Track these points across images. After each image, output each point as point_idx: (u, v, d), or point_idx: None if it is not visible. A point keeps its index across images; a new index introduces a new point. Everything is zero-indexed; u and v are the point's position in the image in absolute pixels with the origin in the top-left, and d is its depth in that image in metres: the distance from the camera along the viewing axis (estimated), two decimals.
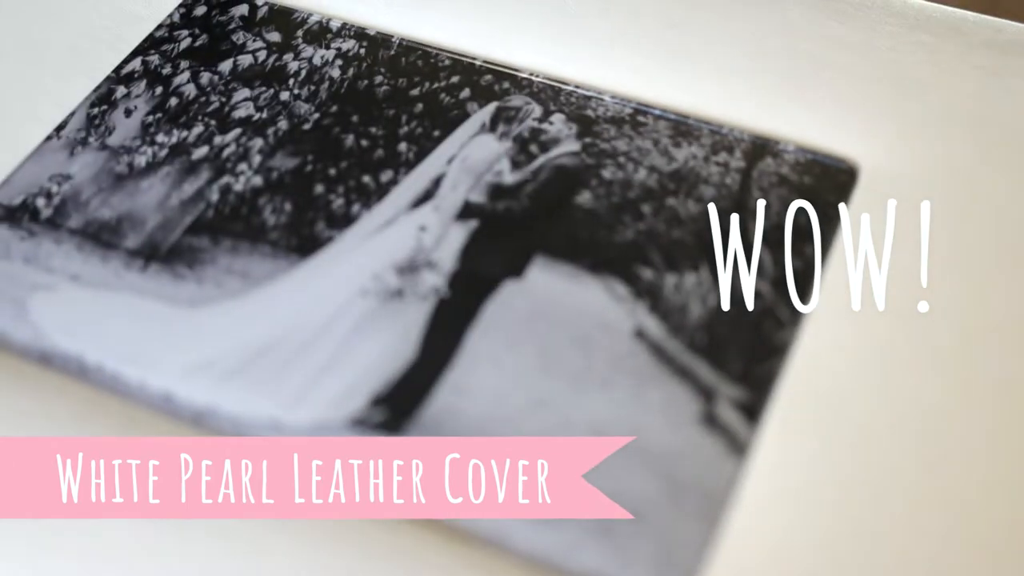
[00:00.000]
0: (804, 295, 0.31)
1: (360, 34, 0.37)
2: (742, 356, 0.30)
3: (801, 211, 0.33)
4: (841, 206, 0.33)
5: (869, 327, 0.31)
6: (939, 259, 0.32)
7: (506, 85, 0.36)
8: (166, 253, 0.32)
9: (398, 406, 0.29)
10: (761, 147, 0.34)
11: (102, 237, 0.33)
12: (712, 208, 0.32)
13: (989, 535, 0.27)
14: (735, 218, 0.32)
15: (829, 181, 0.33)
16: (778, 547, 0.27)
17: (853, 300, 0.31)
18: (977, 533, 0.27)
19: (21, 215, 0.33)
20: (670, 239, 0.32)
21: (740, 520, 0.27)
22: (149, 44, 0.38)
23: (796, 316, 0.31)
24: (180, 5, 0.39)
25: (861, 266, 0.32)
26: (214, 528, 0.28)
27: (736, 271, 0.32)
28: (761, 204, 0.33)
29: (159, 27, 0.38)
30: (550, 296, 0.31)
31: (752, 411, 0.29)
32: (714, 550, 0.27)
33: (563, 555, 0.27)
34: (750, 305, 0.30)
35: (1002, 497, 0.28)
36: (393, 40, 0.37)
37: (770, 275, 0.31)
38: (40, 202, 0.34)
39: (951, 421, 0.30)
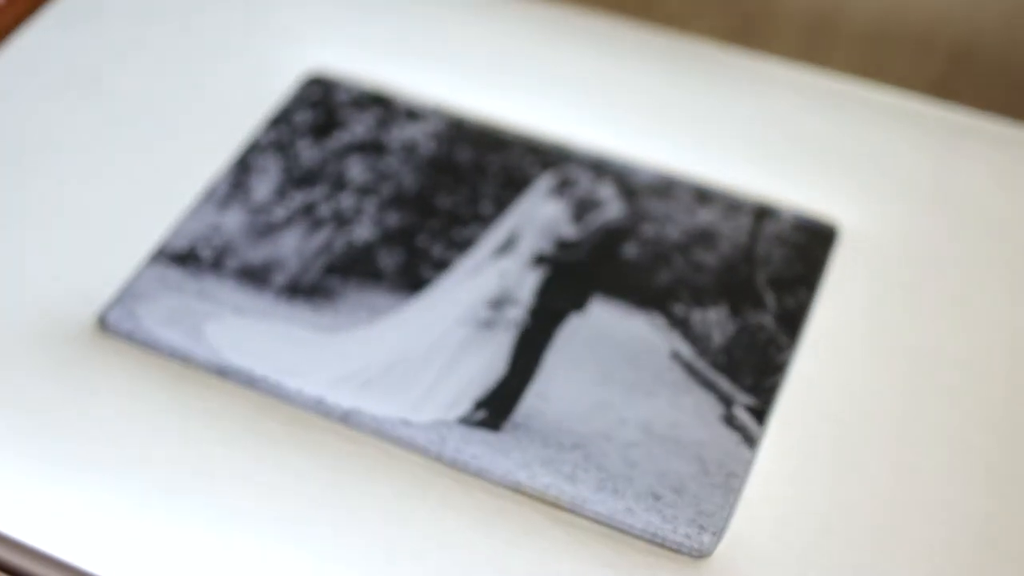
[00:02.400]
0: (798, 326, 0.41)
1: (444, 115, 0.47)
2: (752, 373, 0.39)
3: (795, 262, 0.42)
4: (826, 258, 0.42)
5: (849, 351, 0.40)
6: (898, 298, 0.42)
7: (564, 157, 0.45)
8: (307, 290, 0.42)
9: (495, 409, 0.38)
10: (764, 211, 0.44)
11: (255, 276, 0.42)
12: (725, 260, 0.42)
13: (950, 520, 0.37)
14: (745, 267, 0.42)
15: (816, 238, 0.43)
16: (781, 511, 0.36)
17: (835, 330, 0.41)
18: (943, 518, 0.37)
19: (189, 260, 0.42)
20: (696, 283, 0.42)
21: (752, 491, 0.37)
22: (276, 119, 0.47)
23: (792, 342, 0.40)
24: (298, 87, 0.48)
25: (842, 305, 0.42)
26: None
27: (746, 308, 0.41)
28: (764, 255, 0.42)
29: (283, 105, 0.47)
30: (606, 326, 0.41)
31: (760, 414, 0.38)
32: (734, 513, 0.36)
33: (623, 516, 0.36)
34: (756, 335, 0.40)
35: (966, 484, 0.37)
36: (471, 120, 0.47)
37: (773, 311, 0.41)
38: (202, 249, 0.43)
39: (916, 420, 0.39)
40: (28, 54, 0.49)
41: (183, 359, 0.40)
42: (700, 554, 0.35)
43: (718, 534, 0.36)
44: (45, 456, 0.38)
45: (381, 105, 0.47)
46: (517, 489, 0.37)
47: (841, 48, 0.57)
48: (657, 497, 0.36)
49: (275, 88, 0.47)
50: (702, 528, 0.36)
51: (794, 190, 0.44)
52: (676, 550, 0.35)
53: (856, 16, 0.56)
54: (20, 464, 0.38)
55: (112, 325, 0.40)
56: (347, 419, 0.38)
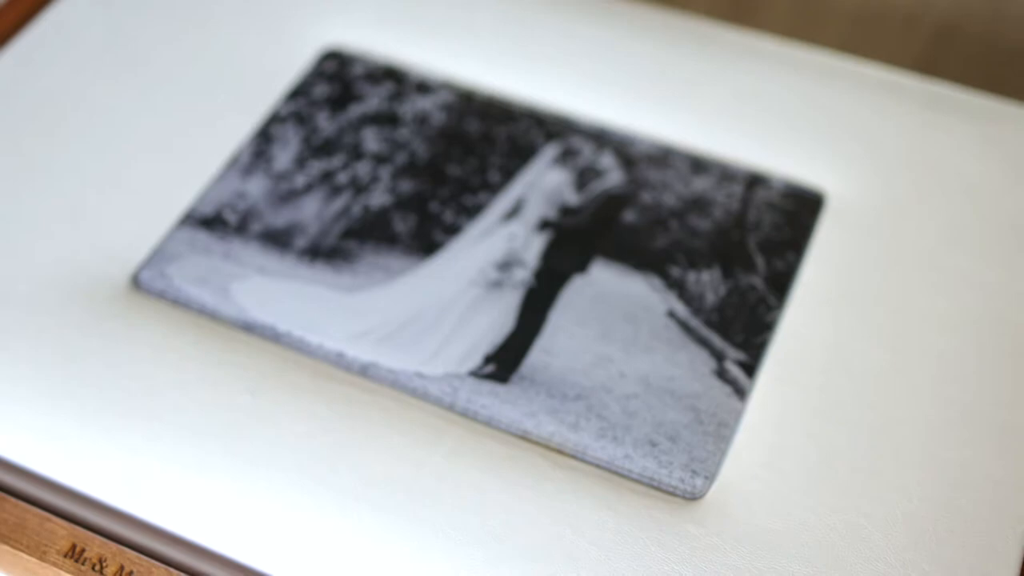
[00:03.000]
0: (787, 287, 0.44)
1: (454, 88, 0.50)
2: (743, 330, 0.42)
3: (784, 226, 0.45)
4: (814, 224, 0.45)
5: (833, 311, 0.43)
6: (881, 262, 0.45)
7: (567, 128, 0.48)
8: (327, 252, 0.44)
9: (504, 363, 0.41)
10: (755, 179, 0.46)
11: (277, 240, 0.45)
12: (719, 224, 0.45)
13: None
14: (736, 232, 0.45)
15: (804, 206, 0.46)
16: (768, 458, 0.39)
17: (821, 291, 0.44)
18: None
19: (215, 224, 0.45)
20: (691, 246, 0.44)
21: (741, 440, 0.40)
22: (294, 92, 0.50)
23: (781, 302, 0.43)
24: (315, 61, 0.50)
25: (827, 267, 0.44)
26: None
27: (737, 270, 0.44)
28: (755, 221, 0.45)
29: (301, 78, 0.50)
30: (606, 286, 0.43)
31: (750, 368, 0.41)
32: (724, 459, 0.39)
33: (622, 461, 0.39)
34: (747, 295, 0.43)
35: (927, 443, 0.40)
36: (480, 93, 0.49)
37: (763, 273, 0.44)
38: (228, 214, 0.46)
39: (894, 373, 0.42)
40: (64, 28, 0.51)
41: (211, 316, 0.43)
42: (693, 496, 0.38)
43: (710, 478, 0.39)
44: (83, 403, 0.41)
45: (394, 79, 0.50)
46: (524, 437, 0.40)
47: (831, 26, 0.60)
48: (654, 444, 0.39)
49: (295, 63, 0.50)
50: (695, 473, 0.39)
51: (784, 160, 0.47)
52: (671, 493, 0.38)
53: None
54: (61, 409, 0.40)
55: (145, 284, 0.43)
56: (365, 372, 0.41)
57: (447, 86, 0.49)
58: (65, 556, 0.39)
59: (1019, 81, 0.59)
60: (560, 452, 0.39)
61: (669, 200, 0.46)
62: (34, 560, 0.39)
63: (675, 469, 0.39)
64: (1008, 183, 0.47)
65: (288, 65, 0.50)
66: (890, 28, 0.60)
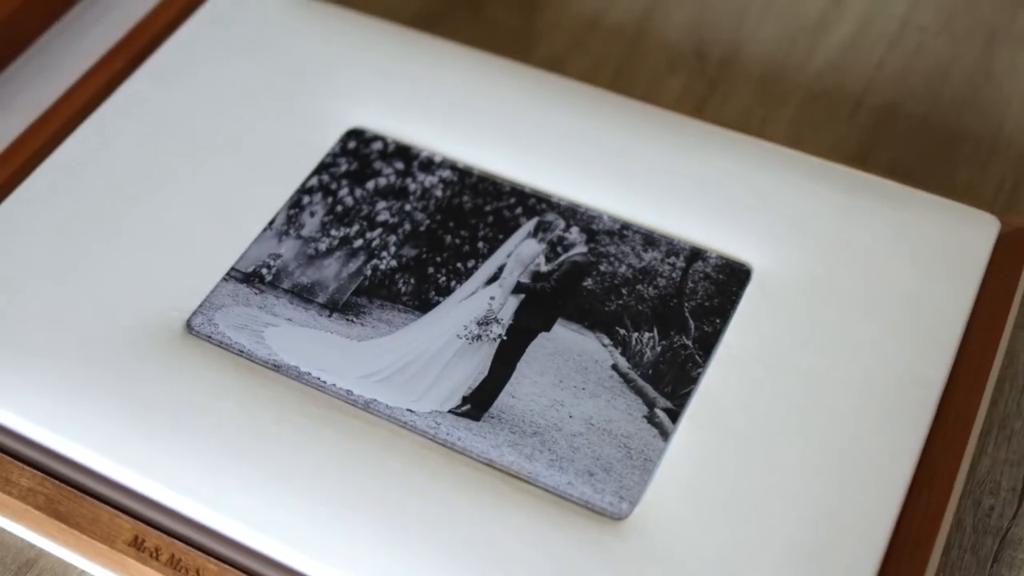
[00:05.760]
0: (712, 348, 0.53)
1: (453, 166, 0.60)
2: (672, 383, 0.51)
3: (714, 295, 0.55)
4: (740, 293, 0.54)
5: (749, 369, 0.53)
6: (794, 329, 0.54)
7: (544, 206, 0.58)
8: (341, 307, 0.55)
9: (477, 404, 0.51)
10: (695, 253, 0.56)
11: (303, 295, 0.55)
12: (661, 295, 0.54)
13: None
14: (675, 299, 0.54)
15: (733, 277, 0.55)
16: (683, 489, 0.49)
17: (739, 352, 0.53)
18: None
19: (254, 279, 0.56)
20: (637, 311, 0.54)
21: (662, 473, 0.49)
22: (321, 167, 0.60)
23: (705, 360, 0.53)
24: (339, 140, 0.61)
25: (748, 331, 0.54)
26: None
27: (672, 332, 0.54)
28: (691, 290, 0.55)
29: (327, 155, 0.60)
30: (564, 343, 0.53)
31: (674, 415, 0.50)
32: (647, 488, 0.49)
33: (565, 487, 0.49)
34: (678, 353, 0.53)
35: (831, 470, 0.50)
36: (474, 172, 0.59)
37: (693, 335, 0.53)
38: (264, 271, 0.56)
39: (797, 426, 0.51)
40: (127, 107, 0.61)
41: (248, 357, 0.52)
42: (619, 517, 0.48)
43: (634, 503, 0.48)
44: (145, 422, 0.48)
45: (404, 157, 0.60)
46: (490, 464, 0.49)
47: (789, 103, 0.69)
48: (591, 474, 0.49)
49: (324, 142, 0.60)
50: (622, 498, 0.48)
51: (722, 237, 0.55)
52: (602, 513, 0.48)
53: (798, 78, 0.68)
54: (128, 427, 0.48)
55: (196, 329, 0.54)
56: (367, 407, 0.51)
57: (447, 164, 0.60)
58: (129, 545, 0.48)
59: (955, 154, 0.67)
60: (518, 478, 0.49)
61: (622, 270, 0.55)
62: (105, 547, 0.49)
63: (606, 495, 0.49)
64: (913, 264, 0.54)
65: (318, 144, 0.60)
66: (839, 108, 0.69)
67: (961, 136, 0.66)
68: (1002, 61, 0.69)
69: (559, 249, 0.56)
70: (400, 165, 0.59)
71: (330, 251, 0.56)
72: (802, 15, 0.72)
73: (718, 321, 0.53)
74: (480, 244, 0.56)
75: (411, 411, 0.50)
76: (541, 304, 0.54)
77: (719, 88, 0.69)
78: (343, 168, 0.59)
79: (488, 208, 0.57)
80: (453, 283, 0.55)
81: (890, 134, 0.67)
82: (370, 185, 0.59)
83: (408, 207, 0.58)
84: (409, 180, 0.59)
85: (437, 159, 0.59)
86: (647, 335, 0.53)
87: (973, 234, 0.55)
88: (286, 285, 0.55)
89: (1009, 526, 0.52)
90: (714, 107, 0.67)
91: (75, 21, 0.65)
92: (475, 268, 0.55)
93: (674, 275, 0.55)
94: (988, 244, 0.55)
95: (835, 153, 0.64)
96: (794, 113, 0.68)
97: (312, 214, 0.57)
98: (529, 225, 0.57)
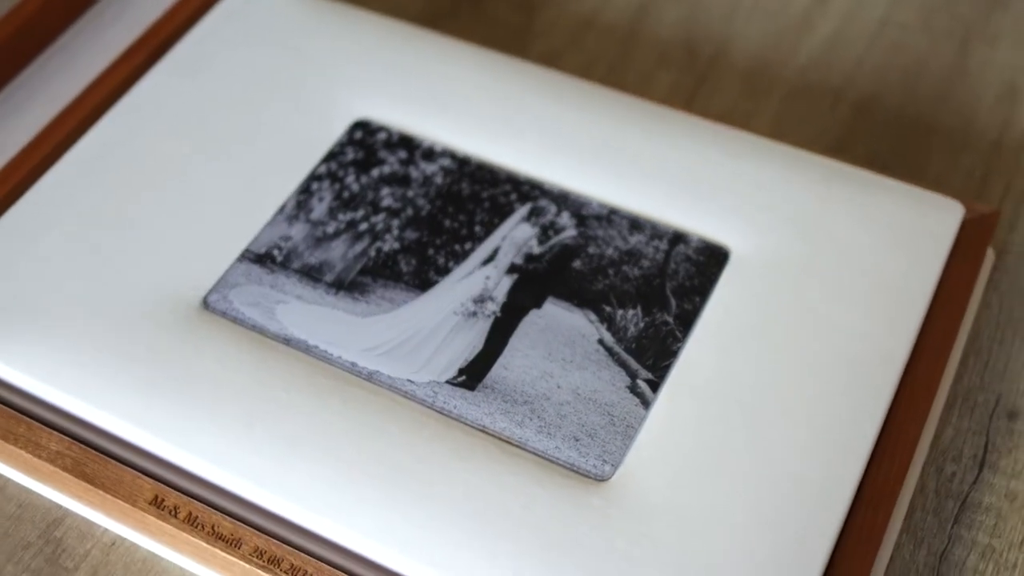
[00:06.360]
0: (691, 323, 0.57)
1: (453, 155, 0.63)
2: (653, 356, 0.55)
3: (694, 276, 0.58)
4: (718, 274, 0.58)
5: (726, 345, 0.56)
6: (769, 308, 0.57)
7: (537, 192, 0.62)
8: (347, 285, 0.59)
9: (472, 375, 0.54)
10: (677, 237, 0.60)
11: (312, 274, 0.59)
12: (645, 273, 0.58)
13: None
14: (658, 279, 0.58)
15: (712, 259, 0.58)
16: (661, 453, 0.52)
17: (717, 329, 0.57)
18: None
19: (266, 260, 0.59)
20: (622, 290, 0.58)
21: (642, 438, 0.53)
22: (329, 156, 0.64)
23: (685, 336, 0.56)
24: (346, 131, 0.65)
25: (725, 310, 0.57)
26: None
27: (655, 310, 0.57)
28: (672, 271, 0.59)
29: (335, 145, 0.64)
30: (554, 319, 0.57)
31: (655, 385, 0.54)
32: (628, 452, 0.53)
33: (553, 451, 0.53)
34: (660, 329, 0.57)
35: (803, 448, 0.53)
36: (473, 160, 0.63)
37: (674, 312, 0.57)
38: (275, 252, 0.60)
39: (770, 397, 0.54)
40: (147, 100, 0.65)
41: (260, 332, 0.55)
42: (602, 479, 0.51)
43: (616, 466, 0.52)
44: (165, 392, 0.51)
45: (407, 147, 0.64)
46: (483, 430, 0.51)
47: (773, 94, 0.73)
48: (577, 440, 0.53)
49: (332, 133, 0.64)
50: (605, 461, 0.52)
51: (703, 221, 0.58)
52: (586, 475, 0.51)
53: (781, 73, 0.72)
54: (148, 396, 0.51)
55: (212, 306, 0.57)
56: (371, 378, 0.54)
57: (447, 154, 0.63)
58: (149, 504, 0.50)
59: (928, 145, 0.71)
60: (509, 442, 0.52)
61: (609, 252, 0.59)
62: (127, 506, 0.51)
63: (590, 458, 0.52)
64: (881, 246, 0.58)
65: (327, 134, 0.64)
66: (821, 101, 0.72)
67: (935, 129, 0.69)
68: (976, 59, 0.72)
69: (551, 232, 0.59)
70: (403, 154, 0.63)
71: (337, 234, 0.60)
72: (787, 14, 0.76)
73: (697, 299, 0.56)
74: (477, 228, 0.60)
75: (411, 381, 0.54)
76: (533, 283, 0.57)
77: (707, 83, 0.73)
78: (350, 157, 0.62)
79: (485, 194, 0.61)
80: (451, 264, 0.59)
81: (868, 126, 0.70)
82: (375, 173, 0.62)
83: (410, 193, 0.61)
84: (411, 168, 0.62)
85: (438, 148, 0.63)
86: (631, 312, 0.57)
87: (938, 218, 0.59)
88: (296, 265, 0.59)
89: (969, 491, 0.55)
90: (702, 101, 0.71)
91: (96, 19, 0.69)
92: (472, 250, 0.59)
93: (657, 257, 0.58)
94: (953, 228, 0.59)
95: (816, 144, 0.67)
96: (778, 106, 0.72)
97: (320, 200, 0.61)
98: (523, 210, 0.61)
